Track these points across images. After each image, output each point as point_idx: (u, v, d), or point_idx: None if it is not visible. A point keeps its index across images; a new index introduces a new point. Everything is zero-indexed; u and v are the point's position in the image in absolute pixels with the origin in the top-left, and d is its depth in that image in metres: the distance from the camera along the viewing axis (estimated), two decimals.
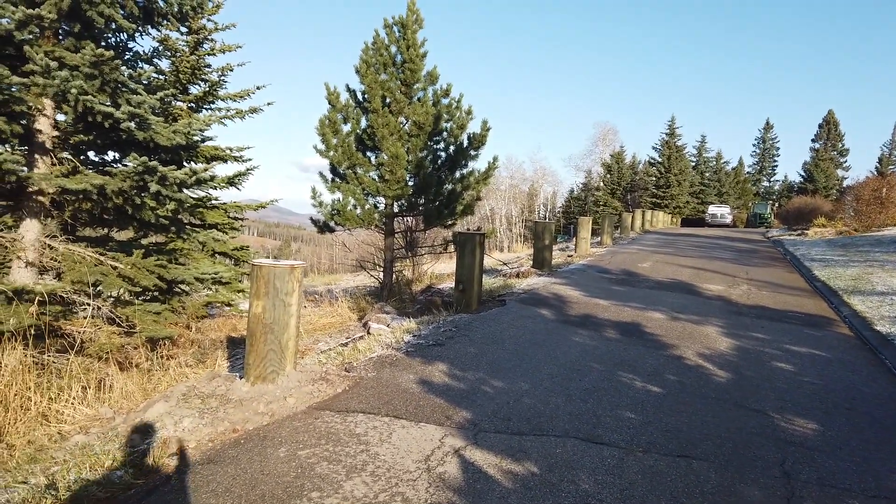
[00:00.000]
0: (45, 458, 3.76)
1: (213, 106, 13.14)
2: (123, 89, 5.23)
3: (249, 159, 13.09)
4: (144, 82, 5.27)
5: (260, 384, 4.31)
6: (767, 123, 61.86)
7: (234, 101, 13.22)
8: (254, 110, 13.03)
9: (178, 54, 12.49)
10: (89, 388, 4.97)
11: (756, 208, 47.71)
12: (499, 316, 7.26)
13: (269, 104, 13.31)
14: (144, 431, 3.69)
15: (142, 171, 4.79)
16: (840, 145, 54.74)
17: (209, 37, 12.97)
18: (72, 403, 4.76)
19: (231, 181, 11.63)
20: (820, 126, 55.76)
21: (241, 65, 13.30)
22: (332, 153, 9.96)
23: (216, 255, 12.85)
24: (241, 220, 13.57)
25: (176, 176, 5.17)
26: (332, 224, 10.35)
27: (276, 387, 4.30)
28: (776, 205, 49.96)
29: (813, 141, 55.70)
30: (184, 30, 12.79)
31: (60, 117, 5.90)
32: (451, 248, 11.62)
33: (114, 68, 5.04)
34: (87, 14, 5.04)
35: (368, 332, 6.65)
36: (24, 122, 5.16)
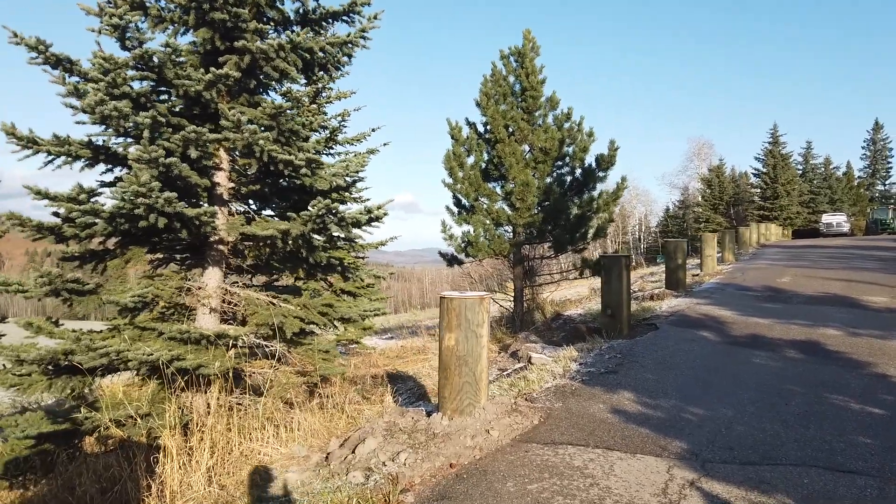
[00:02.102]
0: (268, 499, 3.86)
1: (332, 151, 13.67)
2: (295, 138, 5.48)
3: (368, 199, 13.47)
4: (312, 131, 5.49)
5: (458, 417, 4.27)
6: (877, 123, 57.77)
7: (352, 144, 13.68)
8: (371, 151, 13.36)
9: (300, 105, 13.11)
10: (279, 427, 5.11)
11: (875, 214, 44.07)
12: (657, 340, 6.96)
13: (385, 145, 13.66)
14: (365, 468, 3.72)
15: (322, 213, 4.97)
16: None
17: (327, 85, 13.54)
18: (267, 443, 4.90)
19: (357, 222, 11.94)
20: None
21: (358, 109, 13.75)
22: (458, 186, 10.08)
23: (342, 294, 13.22)
24: (364, 258, 13.94)
25: (351, 215, 5.35)
26: (461, 256, 10.41)
27: (475, 420, 4.25)
28: None
29: None
30: (303, 80, 13.46)
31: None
32: (576, 273, 11.37)
33: (289, 119, 5.30)
34: (264, 69, 5.35)
35: (530, 362, 6.54)
36: (208, 176, 5.49)
